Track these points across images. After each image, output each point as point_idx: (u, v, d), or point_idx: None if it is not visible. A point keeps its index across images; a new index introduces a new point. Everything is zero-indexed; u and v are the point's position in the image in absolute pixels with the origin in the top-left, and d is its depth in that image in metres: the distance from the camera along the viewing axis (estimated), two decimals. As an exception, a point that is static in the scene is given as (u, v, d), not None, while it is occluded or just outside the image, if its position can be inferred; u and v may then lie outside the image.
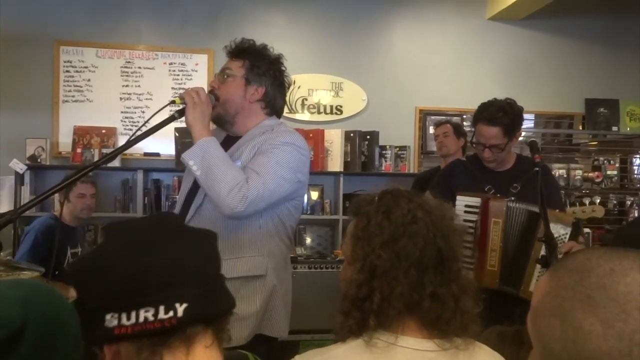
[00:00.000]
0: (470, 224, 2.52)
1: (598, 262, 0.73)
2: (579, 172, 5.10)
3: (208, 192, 1.93)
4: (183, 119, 2.01)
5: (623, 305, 0.68)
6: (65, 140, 4.74)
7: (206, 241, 0.97)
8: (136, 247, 0.90)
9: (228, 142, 2.15)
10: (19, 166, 4.26)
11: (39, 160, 4.60)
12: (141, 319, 0.86)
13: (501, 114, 2.58)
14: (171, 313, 0.87)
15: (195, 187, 2.09)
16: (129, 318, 0.87)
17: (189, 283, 0.89)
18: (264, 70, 2.14)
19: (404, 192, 1.27)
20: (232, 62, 2.14)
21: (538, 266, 2.44)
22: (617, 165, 5.20)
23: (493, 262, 2.50)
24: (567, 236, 2.43)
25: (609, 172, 5.17)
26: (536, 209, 2.44)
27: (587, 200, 3.04)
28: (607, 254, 0.74)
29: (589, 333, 0.68)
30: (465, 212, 2.54)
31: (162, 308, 0.86)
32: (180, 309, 0.87)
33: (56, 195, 3.70)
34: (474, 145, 2.72)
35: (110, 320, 0.88)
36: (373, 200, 1.27)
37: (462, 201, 2.57)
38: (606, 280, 0.70)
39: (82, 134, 4.71)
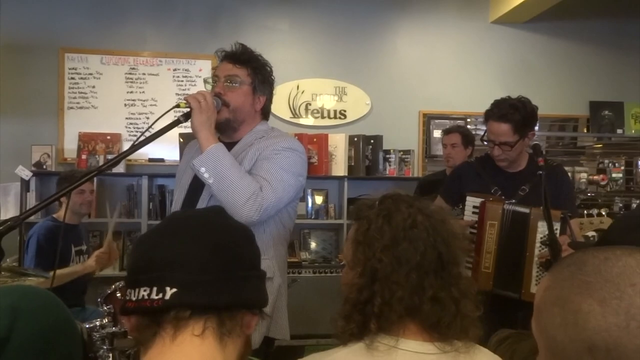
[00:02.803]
0: (475, 225, 2.53)
1: (593, 254, 0.78)
2: (584, 175, 5.09)
3: (222, 200, 1.92)
4: (187, 123, 2.01)
5: (617, 285, 0.72)
6: (70, 147, 4.77)
7: (228, 238, 0.99)
8: (160, 233, 0.98)
9: None
10: (24, 173, 4.29)
11: (44, 166, 4.63)
12: (140, 297, 0.93)
13: (512, 111, 2.56)
14: (160, 295, 0.91)
15: (193, 195, 2.10)
16: (133, 294, 0.94)
17: (185, 270, 0.92)
18: (265, 79, 2.18)
19: (405, 197, 1.28)
20: (237, 69, 2.13)
21: (536, 269, 2.43)
22: (623, 167, 5.19)
23: (487, 265, 2.49)
24: (558, 232, 2.41)
25: (614, 175, 5.16)
26: (533, 211, 2.44)
27: (594, 212, 3.00)
28: (601, 249, 0.79)
29: (588, 313, 0.72)
30: (473, 212, 2.55)
31: (155, 289, 0.91)
32: (169, 292, 0.91)
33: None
34: (485, 142, 2.71)
35: (128, 294, 0.95)
36: (374, 205, 1.28)
37: (471, 202, 2.57)
38: (601, 266, 0.75)
39: (87, 140, 4.74)
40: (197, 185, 2.09)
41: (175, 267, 0.92)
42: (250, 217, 1.91)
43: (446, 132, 4.19)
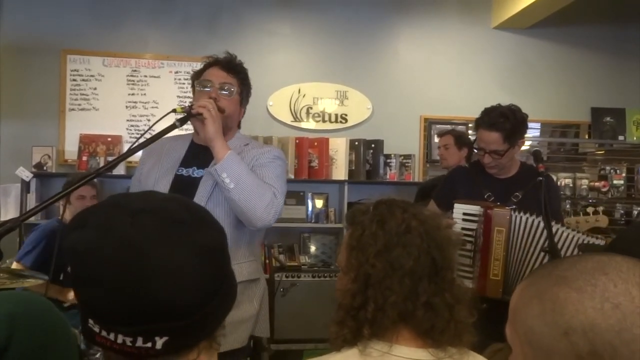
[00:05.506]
0: (469, 232, 2.50)
1: (568, 256, 0.83)
2: (585, 181, 5.09)
3: (241, 205, 1.96)
4: (184, 127, 2.07)
5: (592, 274, 0.76)
6: (71, 149, 4.77)
7: (211, 256, 0.86)
8: (129, 269, 0.79)
9: (196, 150, 2.19)
10: (25, 174, 4.29)
11: (45, 168, 4.62)
12: (119, 340, 0.81)
13: (502, 119, 2.56)
14: (149, 344, 0.81)
15: None
16: (108, 333, 0.81)
17: (174, 318, 0.81)
18: (248, 92, 2.25)
19: (399, 202, 1.28)
20: (230, 78, 2.17)
21: None
22: (624, 174, 5.18)
23: (496, 272, 2.47)
24: None
25: (615, 182, 5.15)
26: (540, 219, 2.42)
27: (590, 210, 3.00)
28: (575, 254, 0.84)
29: (565, 300, 0.76)
30: (464, 220, 2.52)
31: (140, 339, 0.81)
32: (160, 342, 0.81)
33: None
34: (476, 150, 2.72)
35: (93, 325, 0.83)
36: (368, 210, 1.28)
37: (460, 209, 2.54)
38: (576, 263, 0.80)
39: (88, 142, 4.74)
40: (183, 188, 2.09)
41: (163, 319, 0.80)
42: (269, 221, 2.01)
43: (439, 134, 4.37)
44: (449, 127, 5.05)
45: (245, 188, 1.96)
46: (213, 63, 2.20)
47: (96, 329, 0.82)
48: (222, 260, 0.90)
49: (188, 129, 2.29)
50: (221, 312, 0.89)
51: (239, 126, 2.30)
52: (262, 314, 2.22)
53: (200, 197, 2.07)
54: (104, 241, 0.80)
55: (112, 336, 0.81)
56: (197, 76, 2.21)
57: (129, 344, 0.81)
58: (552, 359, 0.75)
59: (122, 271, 0.79)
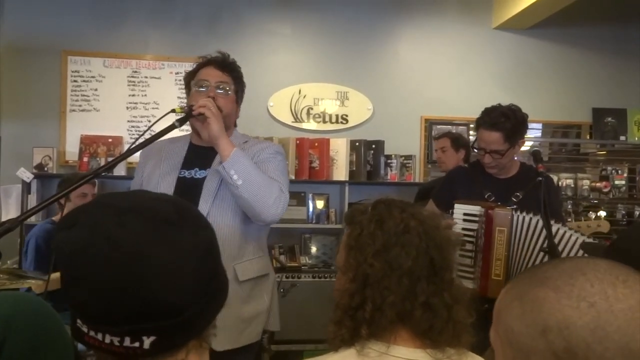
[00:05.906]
0: (470, 233, 2.49)
1: (553, 260, 0.86)
2: (587, 181, 5.07)
3: (250, 200, 1.97)
4: (183, 127, 2.07)
5: (571, 274, 0.78)
6: (72, 149, 4.77)
7: (200, 255, 0.84)
8: (115, 269, 0.78)
9: (196, 151, 2.19)
10: (25, 175, 4.29)
11: (45, 169, 4.63)
12: (107, 340, 0.81)
13: (503, 119, 2.56)
14: (137, 344, 0.81)
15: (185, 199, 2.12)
16: (96, 333, 0.81)
17: (161, 318, 0.81)
18: (243, 90, 2.26)
19: (397, 202, 1.28)
20: (225, 77, 2.17)
21: None
22: (625, 175, 5.16)
23: (498, 272, 2.46)
24: None
25: (617, 182, 5.13)
26: (541, 219, 2.41)
27: (592, 215, 3.00)
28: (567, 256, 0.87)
29: (543, 299, 0.77)
30: (465, 220, 2.52)
31: (127, 339, 0.80)
32: (147, 341, 0.81)
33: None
34: (475, 150, 2.71)
35: (81, 325, 0.83)
36: (366, 210, 1.27)
37: (461, 209, 2.54)
38: (558, 265, 0.82)
39: (88, 143, 4.74)
40: (187, 190, 2.09)
41: (150, 318, 0.80)
42: (277, 215, 2.03)
43: (435, 138, 4.36)
44: (449, 127, 5.05)
45: (254, 183, 1.97)
46: (207, 63, 2.20)
47: (84, 328, 0.82)
48: (212, 259, 0.88)
49: (186, 129, 2.29)
50: (211, 312, 0.88)
51: (235, 125, 2.29)
52: (273, 307, 2.24)
53: (206, 197, 2.07)
54: (90, 241, 0.79)
55: (99, 336, 0.81)
56: (191, 77, 2.21)
57: (116, 343, 0.80)
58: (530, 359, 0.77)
59: (108, 271, 0.78)
